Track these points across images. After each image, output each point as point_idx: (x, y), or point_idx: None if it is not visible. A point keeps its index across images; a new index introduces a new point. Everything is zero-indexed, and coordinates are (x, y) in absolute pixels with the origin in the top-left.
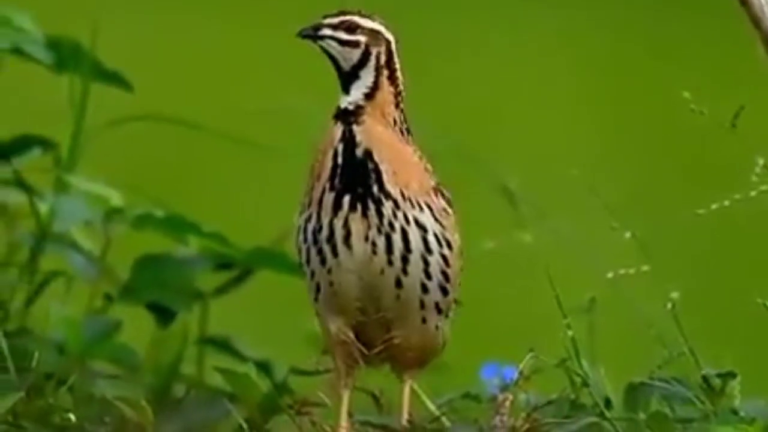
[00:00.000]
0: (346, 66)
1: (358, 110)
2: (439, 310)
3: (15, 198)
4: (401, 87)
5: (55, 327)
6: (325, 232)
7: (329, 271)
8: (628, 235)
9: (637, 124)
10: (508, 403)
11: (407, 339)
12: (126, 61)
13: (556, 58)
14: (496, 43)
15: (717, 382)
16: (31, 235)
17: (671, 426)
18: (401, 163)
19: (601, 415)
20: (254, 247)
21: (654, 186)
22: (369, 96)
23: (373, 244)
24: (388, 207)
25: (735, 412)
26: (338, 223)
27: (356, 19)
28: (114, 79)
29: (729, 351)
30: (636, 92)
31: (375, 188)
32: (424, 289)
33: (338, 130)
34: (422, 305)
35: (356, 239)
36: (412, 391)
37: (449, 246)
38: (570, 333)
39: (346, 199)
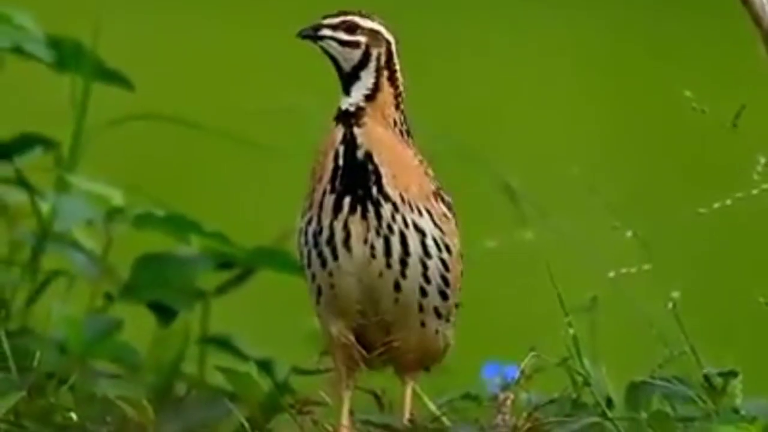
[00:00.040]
0: (346, 66)
1: (359, 112)
2: (438, 315)
3: (16, 197)
4: (401, 88)
5: (57, 326)
6: (325, 234)
7: (330, 274)
8: (629, 234)
9: (638, 123)
10: (509, 403)
11: (407, 342)
12: (126, 60)
13: (556, 58)
14: (496, 43)
15: (718, 381)
16: (33, 234)
17: (673, 425)
18: (401, 167)
19: (603, 414)
20: (255, 246)
21: (655, 185)
22: (369, 97)
23: (372, 246)
24: (387, 209)
25: (736, 411)
26: (338, 226)
27: (356, 19)
28: (115, 78)
29: (730, 350)
30: (636, 92)
31: (374, 190)
32: (423, 292)
33: (339, 132)
34: (421, 309)
35: (355, 242)
36: (414, 391)
37: (448, 250)
38: (571, 332)
39: (347, 201)
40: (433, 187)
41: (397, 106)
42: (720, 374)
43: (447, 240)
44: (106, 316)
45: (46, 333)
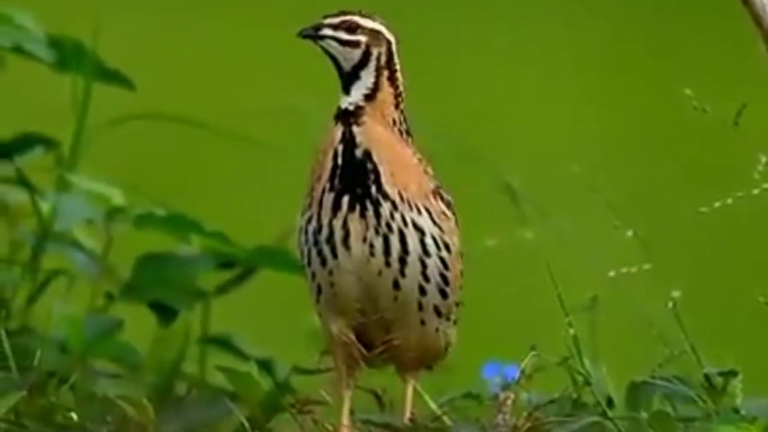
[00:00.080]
0: (346, 66)
1: (358, 111)
2: (438, 313)
3: (17, 197)
4: (401, 88)
5: (57, 326)
6: (324, 233)
7: (329, 273)
8: (629, 233)
9: (638, 122)
10: (509, 402)
11: (407, 340)
12: (127, 60)
13: (556, 57)
14: (496, 43)
15: (719, 380)
16: (33, 233)
17: (673, 425)
18: (400, 165)
19: (603, 414)
20: (256, 246)
21: (655, 184)
22: (369, 97)
23: (371, 245)
24: (385, 208)
25: (737, 411)
26: (337, 224)
27: (357, 19)
28: (116, 78)
29: (731, 349)
30: (637, 91)
31: (373, 189)
32: (422, 291)
33: (338, 130)
34: (420, 307)
35: (354, 240)
36: (414, 391)
37: (448, 249)
38: (572, 331)
39: (345, 199)
40: (432, 186)
41: (397, 106)
42: (720, 374)
43: (446, 238)
44: (106, 315)
45: (46, 332)
